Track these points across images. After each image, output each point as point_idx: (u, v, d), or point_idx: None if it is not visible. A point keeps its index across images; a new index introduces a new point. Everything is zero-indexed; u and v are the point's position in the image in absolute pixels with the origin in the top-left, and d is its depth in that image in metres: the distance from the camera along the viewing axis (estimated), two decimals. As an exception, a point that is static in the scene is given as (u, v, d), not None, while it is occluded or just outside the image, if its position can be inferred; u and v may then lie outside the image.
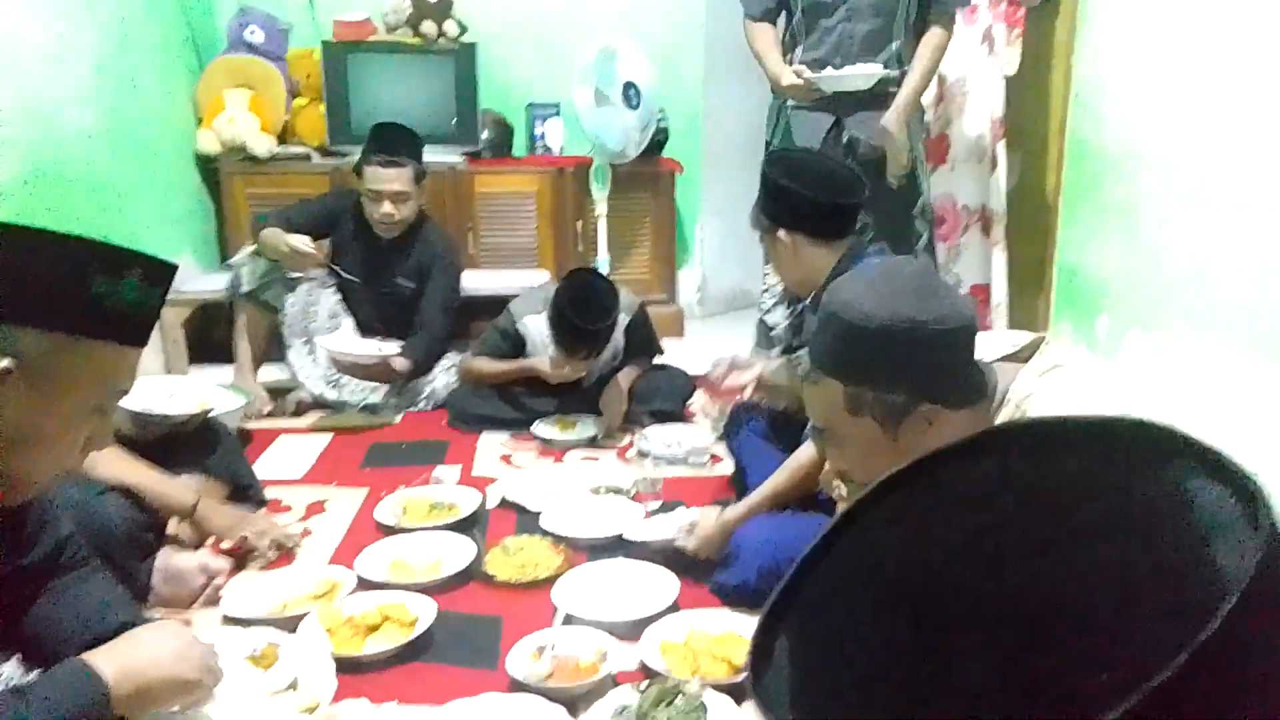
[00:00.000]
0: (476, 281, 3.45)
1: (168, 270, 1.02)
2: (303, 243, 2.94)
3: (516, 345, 2.94)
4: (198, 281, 3.51)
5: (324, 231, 3.10)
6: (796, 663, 0.50)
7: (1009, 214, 3.32)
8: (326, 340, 3.03)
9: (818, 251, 2.09)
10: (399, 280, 3.14)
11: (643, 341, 3.00)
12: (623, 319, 2.87)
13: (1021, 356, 1.27)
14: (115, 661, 1.00)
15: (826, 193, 2.08)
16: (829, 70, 2.70)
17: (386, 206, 3.01)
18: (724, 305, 4.61)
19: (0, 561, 1.13)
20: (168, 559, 1.82)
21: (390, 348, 3.06)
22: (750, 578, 1.77)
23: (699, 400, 3.01)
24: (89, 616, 1.18)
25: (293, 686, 1.15)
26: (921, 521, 0.52)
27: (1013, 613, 0.47)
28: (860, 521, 0.55)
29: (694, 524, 1.94)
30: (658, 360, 3.07)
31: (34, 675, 1.23)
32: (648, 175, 4.10)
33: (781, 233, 2.12)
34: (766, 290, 2.96)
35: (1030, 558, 0.48)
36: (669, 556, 1.93)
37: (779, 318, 2.90)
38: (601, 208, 3.85)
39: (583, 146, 3.93)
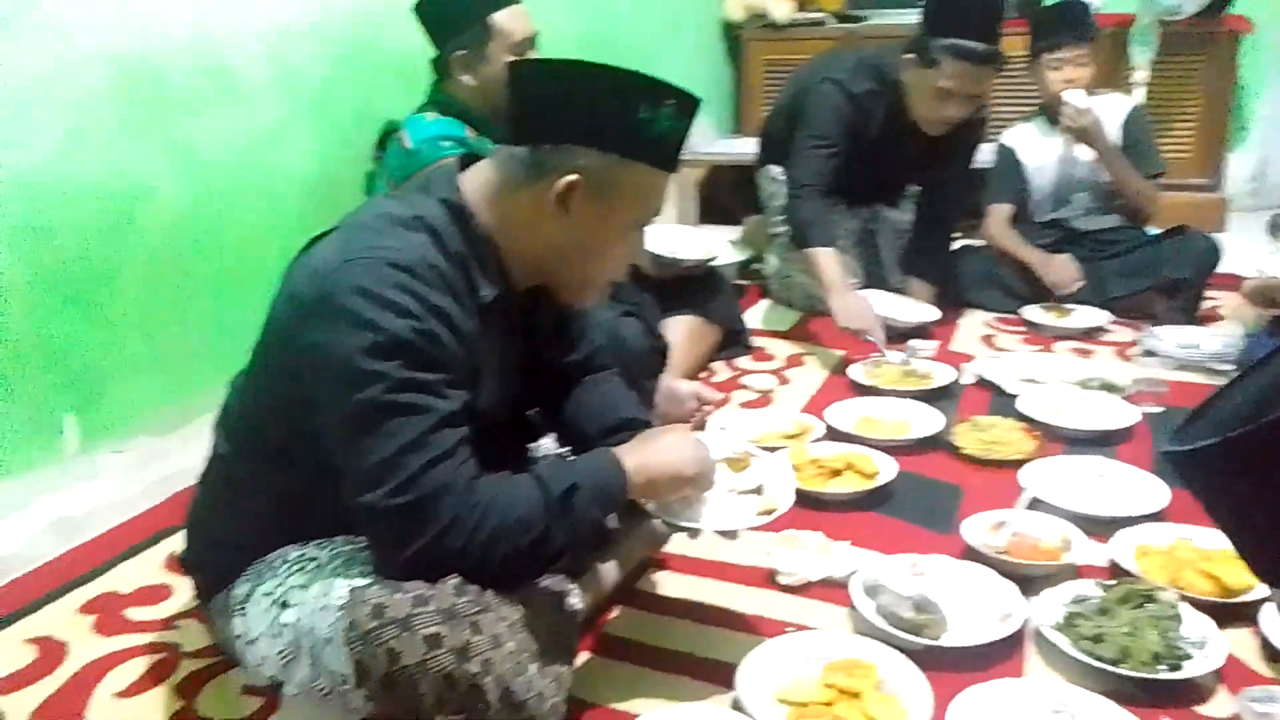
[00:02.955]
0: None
1: (694, 103, 1.15)
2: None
3: (1016, 168, 2.84)
4: (713, 145, 3.80)
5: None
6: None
7: None
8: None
9: None
10: (929, 168, 2.73)
11: (1145, 132, 2.69)
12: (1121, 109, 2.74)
13: None
14: (635, 455, 1.19)
15: None
16: None
17: (953, 109, 2.47)
18: (1286, 197, 3.86)
19: (557, 355, 1.40)
20: (670, 381, 2.09)
21: (925, 304, 2.69)
22: None
23: (1231, 300, 2.61)
24: (607, 409, 1.43)
25: (757, 491, 1.28)
26: None
27: None
28: None
29: None
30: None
31: (565, 450, 1.53)
32: (1204, 36, 3.50)
33: None
34: None
35: None
36: None
37: None
38: (1141, 74, 3.39)
39: (1125, 3, 3.46)
